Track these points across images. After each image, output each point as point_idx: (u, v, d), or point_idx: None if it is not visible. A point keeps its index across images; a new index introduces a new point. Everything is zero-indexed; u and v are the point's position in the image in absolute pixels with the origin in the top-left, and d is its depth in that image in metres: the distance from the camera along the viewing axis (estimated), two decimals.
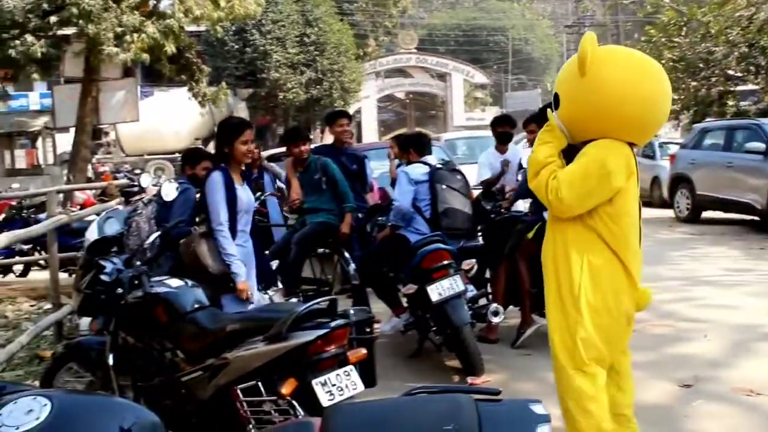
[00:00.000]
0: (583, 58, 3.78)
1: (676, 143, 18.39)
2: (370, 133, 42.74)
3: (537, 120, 6.72)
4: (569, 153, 4.04)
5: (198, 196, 5.53)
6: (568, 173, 3.77)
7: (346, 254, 7.41)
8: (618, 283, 3.84)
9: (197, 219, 5.44)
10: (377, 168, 9.41)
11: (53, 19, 15.60)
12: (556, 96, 3.99)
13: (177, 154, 28.81)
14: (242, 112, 32.47)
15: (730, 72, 21.87)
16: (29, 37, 15.71)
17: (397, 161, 8.62)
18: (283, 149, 8.90)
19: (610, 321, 3.87)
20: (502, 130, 7.83)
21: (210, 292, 4.76)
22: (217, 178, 4.97)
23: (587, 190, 3.71)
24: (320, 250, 7.79)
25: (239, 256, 5.01)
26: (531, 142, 6.90)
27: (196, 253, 4.84)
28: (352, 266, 7.23)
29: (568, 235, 3.86)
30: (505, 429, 2.18)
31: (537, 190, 3.85)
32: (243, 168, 5.34)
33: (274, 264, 6.88)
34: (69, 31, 16.49)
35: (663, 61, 21.72)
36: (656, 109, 3.92)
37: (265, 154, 9.27)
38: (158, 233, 4.98)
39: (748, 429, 4.72)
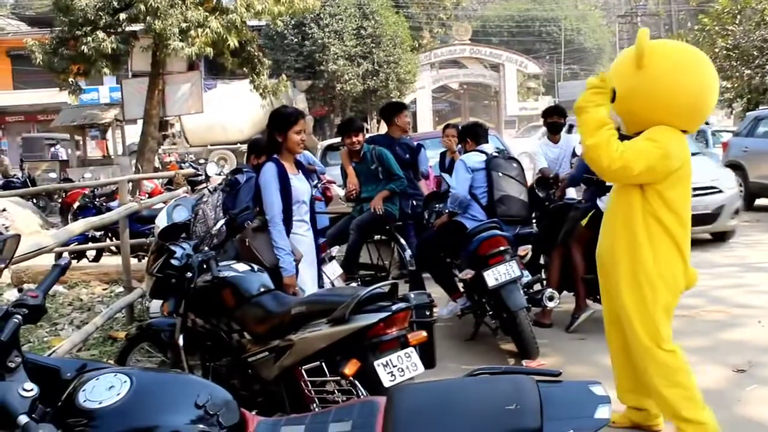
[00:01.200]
0: (640, 53, 3.96)
1: (729, 131, 18.02)
2: (426, 123, 42.67)
3: None
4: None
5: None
6: (636, 143, 3.95)
7: (403, 241, 7.43)
8: (676, 264, 4.04)
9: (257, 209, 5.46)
10: (432, 157, 9.41)
11: (122, 16, 15.90)
12: (613, 90, 4.09)
13: (239, 145, 29.14)
14: (301, 103, 32.62)
15: None
16: (100, 34, 16.02)
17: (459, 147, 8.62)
18: (340, 139, 8.97)
19: (673, 300, 4.10)
20: (552, 120, 7.82)
21: None
22: (269, 169, 4.91)
23: (650, 164, 3.87)
24: (377, 237, 7.83)
25: (302, 246, 5.01)
26: None
27: (250, 247, 4.83)
28: (408, 252, 7.25)
29: (634, 215, 4.05)
30: (566, 409, 2.16)
31: (596, 147, 3.92)
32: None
33: (335, 250, 6.93)
34: (137, 27, 16.79)
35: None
36: (707, 97, 4.10)
37: (323, 143, 9.33)
38: (225, 219, 5.03)
39: None
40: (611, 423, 4.38)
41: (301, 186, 5.07)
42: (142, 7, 15.34)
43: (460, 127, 8.12)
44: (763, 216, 13.59)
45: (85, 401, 2.08)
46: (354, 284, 6.51)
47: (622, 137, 4.17)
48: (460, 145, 7.73)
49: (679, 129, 4.04)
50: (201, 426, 2.13)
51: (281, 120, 4.99)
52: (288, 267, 4.85)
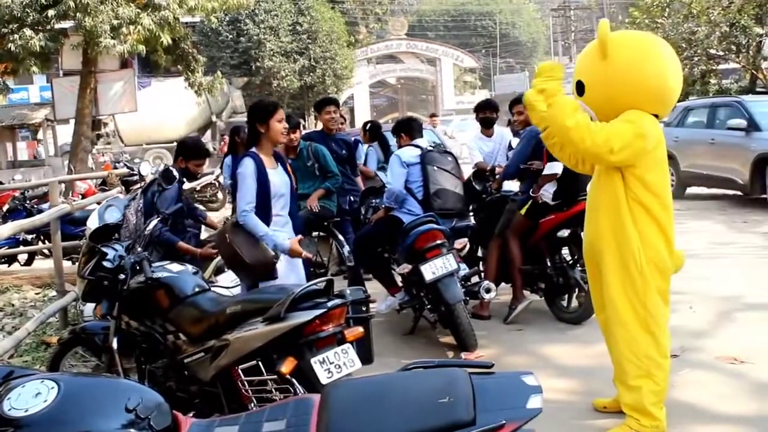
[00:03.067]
0: (603, 44, 4.10)
1: (661, 121, 18.39)
2: (364, 118, 42.51)
3: (522, 101, 6.75)
4: None
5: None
6: (613, 125, 4.03)
7: (341, 237, 7.43)
8: (662, 247, 4.14)
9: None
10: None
11: (51, 12, 15.54)
12: (580, 83, 4.25)
13: (175, 143, 28.75)
14: (237, 100, 32.44)
15: (712, 51, 21.86)
16: (28, 31, 15.64)
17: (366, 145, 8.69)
18: None
19: (664, 283, 4.20)
20: (484, 115, 7.87)
21: (250, 281, 4.76)
22: (248, 164, 4.74)
23: (627, 141, 3.96)
24: (315, 234, 7.80)
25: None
26: (518, 123, 6.94)
27: (231, 243, 4.65)
28: (347, 248, 7.25)
29: (618, 203, 4.13)
30: (499, 400, 2.19)
31: (577, 128, 3.97)
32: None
33: None
34: (66, 24, 16.44)
35: None
36: (672, 80, 4.22)
37: None
38: (158, 219, 4.96)
39: (731, 396, 4.75)
40: (602, 408, 4.50)
41: (279, 179, 4.88)
42: (72, 3, 15.01)
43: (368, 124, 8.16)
44: (693, 204, 13.90)
45: (10, 410, 2.04)
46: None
47: None
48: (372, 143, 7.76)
49: (651, 113, 4.16)
50: (132, 430, 2.11)
51: (261, 110, 4.83)
52: (280, 242, 4.69)
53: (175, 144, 24.13)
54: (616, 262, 4.17)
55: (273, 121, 4.78)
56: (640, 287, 4.12)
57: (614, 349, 4.31)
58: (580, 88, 4.27)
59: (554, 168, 6.17)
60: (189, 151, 6.11)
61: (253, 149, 4.83)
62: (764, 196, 12.42)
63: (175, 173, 5.81)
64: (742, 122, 12.98)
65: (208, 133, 31.71)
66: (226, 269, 5.63)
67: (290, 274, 4.88)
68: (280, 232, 4.82)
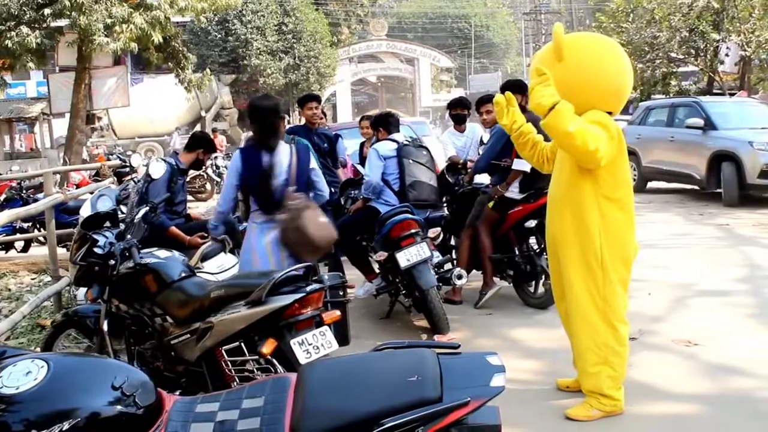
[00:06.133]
0: (559, 46, 4.07)
1: (624, 120, 18.49)
2: (345, 114, 42.73)
3: (490, 101, 6.79)
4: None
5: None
6: (595, 129, 3.94)
7: None
8: (627, 238, 4.16)
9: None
10: (350, 146, 9.40)
11: (47, 11, 15.38)
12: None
13: (166, 137, 28.61)
14: (225, 96, 32.33)
15: (673, 55, 22.00)
16: (24, 29, 15.45)
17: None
18: None
19: (627, 273, 4.20)
20: (455, 112, 7.91)
21: (312, 258, 4.63)
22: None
23: (605, 144, 3.94)
24: None
25: None
26: (486, 122, 6.96)
27: (303, 227, 4.64)
28: None
29: (585, 201, 4.11)
30: (465, 379, 2.21)
31: (582, 132, 3.86)
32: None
33: None
34: (62, 22, 16.25)
35: None
36: (626, 79, 4.23)
37: (246, 134, 9.22)
38: (146, 208, 4.93)
39: (685, 376, 4.80)
40: (565, 387, 4.53)
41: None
42: (67, 2, 14.84)
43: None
44: (654, 197, 14.01)
45: (1, 387, 2.03)
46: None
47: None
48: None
49: (606, 111, 4.15)
50: (118, 407, 2.10)
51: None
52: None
53: (165, 137, 23.99)
54: (577, 258, 4.16)
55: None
56: (601, 281, 4.12)
57: (575, 338, 4.33)
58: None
59: (522, 165, 6.18)
60: (207, 143, 6.35)
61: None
62: (719, 190, 12.55)
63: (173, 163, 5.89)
64: (700, 121, 13.11)
65: (197, 127, 31.58)
66: (212, 256, 5.62)
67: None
68: None
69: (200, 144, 6.29)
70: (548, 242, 4.50)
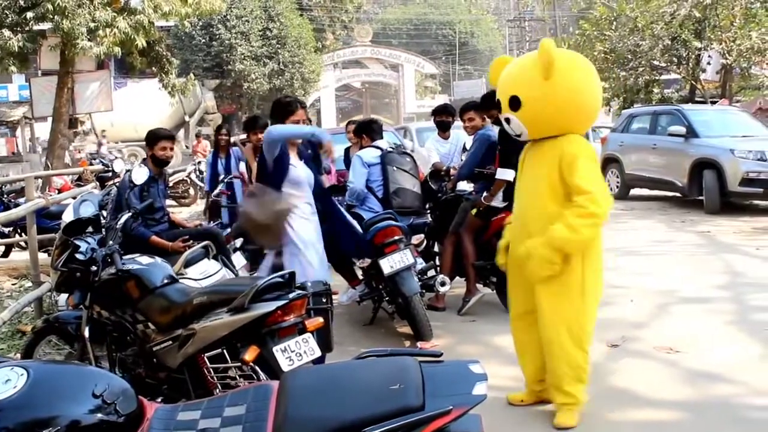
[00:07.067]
0: (549, 65, 3.96)
1: (607, 127, 18.59)
2: (330, 120, 42.68)
3: (473, 108, 6.82)
4: (506, 148, 4.19)
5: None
6: (591, 174, 3.95)
7: None
8: (600, 247, 4.17)
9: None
10: (335, 151, 9.36)
11: (29, 14, 15.31)
12: (516, 99, 4.07)
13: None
14: (209, 101, 32.21)
15: (655, 63, 22.13)
16: (6, 32, 15.37)
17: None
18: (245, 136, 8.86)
19: (597, 300, 4.20)
20: (440, 119, 7.93)
21: (274, 242, 4.59)
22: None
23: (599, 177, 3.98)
24: None
25: (309, 227, 4.77)
26: (468, 129, 6.97)
27: (246, 213, 4.55)
28: None
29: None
30: (447, 387, 2.21)
31: (584, 228, 3.89)
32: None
33: (239, 242, 6.84)
34: (45, 26, 16.19)
35: (595, 53, 22.03)
36: (600, 100, 4.27)
37: (232, 139, 9.20)
38: (129, 214, 4.91)
39: (667, 382, 4.82)
40: (521, 401, 4.53)
41: (302, 171, 4.85)
42: (50, 6, 14.78)
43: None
44: (636, 204, 14.09)
45: None
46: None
47: (517, 143, 4.41)
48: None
49: (579, 132, 4.14)
50: (99, 415, 2.09)
51: (282, 109, 4.84)
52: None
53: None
54: (556, 288, 4.08)
55: (290, 121, 4.79)
56: (582, 312, 4.11)
57: (547, 358, 4.28)
58: (515, 102, 4.08)
59: (506, 174, 6.17)
60: (148, 139, 6.14)
61: None
62: (701, 198, 12.64)
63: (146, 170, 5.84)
64: (682, 129, 13.22)
65: (181, 132, 31.45)
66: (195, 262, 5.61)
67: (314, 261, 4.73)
68: (307, 219, 4.78)
69: (149, 142, 6.12)
70: (511, 261, 4.39)
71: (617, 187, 15.21)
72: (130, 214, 4.88)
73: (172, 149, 6.07)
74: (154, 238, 5.74)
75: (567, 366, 4.16)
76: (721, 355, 5.30)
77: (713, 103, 18.71)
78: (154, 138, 6.07)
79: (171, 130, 29.88)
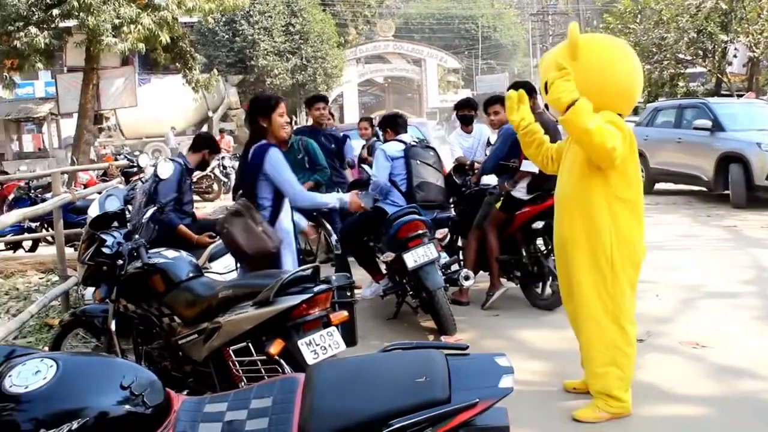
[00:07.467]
0: (574, 46, 4.05)
1: (632, 121, 18.45)
2: (353, 115, 42.71)
3: (500, 101, 6.77)
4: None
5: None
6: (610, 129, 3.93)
7: (329, 226, 7.42)
8: (637, 238, 4.15)
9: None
10: (358, 147, 9.40)
11: (55, 11, 15.47)
12: (547, 83, 4.09)
13: (165, 138, 28.69)
14: (233, 97, 32.37)
15: (681, 56, 21.95)
16: (33, 29, 15.55)
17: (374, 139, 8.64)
18: None
19: (635, 275, 4.20)
20: (463, 113, 7.92)
21: (249, 269, 4.52)
22: (277, 153, 4.52)
23: (619, 143, 3.92)
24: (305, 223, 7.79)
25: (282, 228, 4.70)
26: (494, 122, 6.93)
27: (230, 234, 4.47)
28: (334, 237, 7.24)
29: (595, 201, 4.09)
30: (473, 380, 2.19)
31: (600, 130, 3.86)
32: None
33: None
34: (70, 23, 16.34)
35: None
36: (637, 81, 4.25)
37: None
38: (154, 209, 4.94)
39: (693, 378, 4.79)
40: (572, 389, 4.52)
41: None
42: (75, 3, 14.91)
43: (375, 118, 8.16)
44: (661, 199, 13.97)
45: (11, 386, 2.03)
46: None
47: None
48: (374, 138, 7.74)
49: (617, 111, 4.14)
50: (127, 406, 2.10)
51: (263, 104, 4.65)
52: (332, 201, 4.91)
53: (164, 138, 23.90)
54: (587, 259, 4.14)
55: (275, 116, 4.60)
56: (610, 282, 4.10)
57: (583, 338, 4.31)
58: (547, 87, 4.11)
59: (531, 166, 6.14)
60: (212, 144, 6.45)
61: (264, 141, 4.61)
62: (727, 192, 12.51)
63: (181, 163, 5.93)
64: (708, 123, 13.08)
65: (205, 127, 31.63)
66: (219, 256, 5.64)
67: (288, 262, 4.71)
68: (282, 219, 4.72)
69: (205, 145, 6.34)
70: (556, 243, 4.46)
71: (642, 181, 15.04)
72: (155, 207, 4.90)
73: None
74: (182, 227, 5.83)
75: (600, 342, 4.14)
76: (747, 350, 5.25)
77: (740, 96, 18.50)
78: (212, 145, 6.50)
79: (194, 126, 30.06)
